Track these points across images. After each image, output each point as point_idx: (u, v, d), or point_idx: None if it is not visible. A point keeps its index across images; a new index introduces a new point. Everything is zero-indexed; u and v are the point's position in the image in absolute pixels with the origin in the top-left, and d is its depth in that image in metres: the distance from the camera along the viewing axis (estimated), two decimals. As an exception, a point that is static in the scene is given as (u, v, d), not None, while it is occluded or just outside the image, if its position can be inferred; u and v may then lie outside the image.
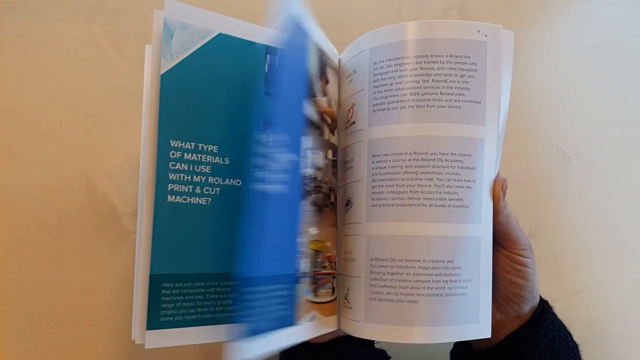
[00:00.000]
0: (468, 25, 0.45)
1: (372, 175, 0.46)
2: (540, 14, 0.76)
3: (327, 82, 0.49)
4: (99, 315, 0.56)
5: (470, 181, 0.44)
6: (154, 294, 0.41)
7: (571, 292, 0.70)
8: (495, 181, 0.45)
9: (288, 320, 0.43)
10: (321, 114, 0.48)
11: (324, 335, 0.49)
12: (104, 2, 0.60)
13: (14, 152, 0.56)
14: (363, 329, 0.45)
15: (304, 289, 0.45)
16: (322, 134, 0.48)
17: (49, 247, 0.56)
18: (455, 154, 0.44)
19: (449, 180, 0.44)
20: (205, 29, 0.45)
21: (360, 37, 0.48)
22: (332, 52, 0.50)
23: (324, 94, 0.49)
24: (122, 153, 0.59)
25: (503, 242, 0.47)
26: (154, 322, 0.41)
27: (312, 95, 0.47)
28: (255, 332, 0.38)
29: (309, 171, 0.46)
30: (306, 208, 0.46)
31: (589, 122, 0.75)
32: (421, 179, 0.44)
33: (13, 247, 0.55)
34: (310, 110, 0.46)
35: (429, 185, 0.43)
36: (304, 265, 0.45)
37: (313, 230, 0.47)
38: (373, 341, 0.52)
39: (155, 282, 0.41)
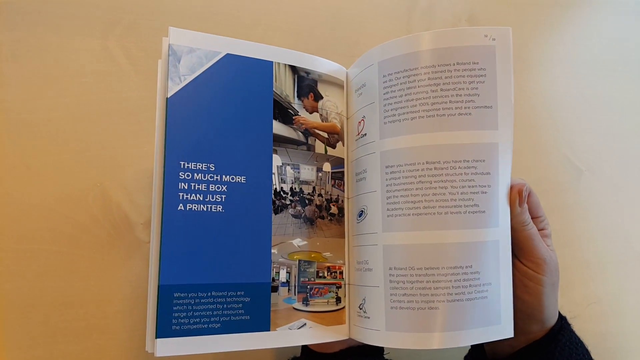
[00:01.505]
0: (475, 31, 0.45)
1: (387, 186, 0.46)
2: (551, 26, 0.76)
3: (316, 98, 0.50)
4: (112, 325, 0.57)
5: (485, 186, 0.44)
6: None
7: (582, 303, 0.70)
8: (512, 185, 0.45)
9: (258, 325, 0.45)
10: (309, 129, 0.50)
11: (333, 345, 0.50)
12: (119, 17, 0.61)
13: (31, 163, 0.57)
14: (384, 337, 0.45)
15: (283, 297, 0.47)
16: (310, 148, 0.50)
17: (64, 257, 0.57)
18: (468, 161, 0.44)
19: (463, 187, 0.44)
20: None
21: (367, 51, 0.49)
22: (331, 69, 0.52)
23: (313, 110, 0.50)
24: (136, 164, 0.59)
25: (517, 250, 0.46)
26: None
27: (286, 114, 0.49)
28: (182, 332, 0.42)
29: (286, 186, 0.48)
30: (283, 221, 0.47)
31: (599, 134, 0.75)
32: (435, 188, 0.44)
33: (29, 257, 0.56)
34: (282, 129, 0.48)
35: (444, 194, 0.44)
36: (283, 274, 0.47)
37: (299, 242, 0.48)
38: (383, 351, 0.52)
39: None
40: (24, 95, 0.58)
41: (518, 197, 0.45)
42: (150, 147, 0.59)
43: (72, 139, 0.58)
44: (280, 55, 0.49)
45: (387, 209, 0.46)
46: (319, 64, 0.51)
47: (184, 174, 0.44)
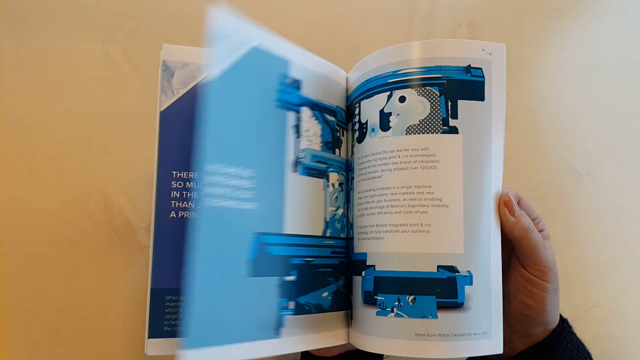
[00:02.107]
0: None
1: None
2: (551, 30, 0.76)
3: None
4: (113, 329, 0.57)
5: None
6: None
7: (582, 308, 0.70)
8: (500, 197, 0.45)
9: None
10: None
11: (332, 349, 0.50)
12: (121, 22, 0.62)
13: (33, 168, 0.57)
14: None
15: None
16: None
17: (66, 261, 0.57)
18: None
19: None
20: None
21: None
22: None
23: None
24: (138, 169, 0.60)
25: (522, 259, 0.47)
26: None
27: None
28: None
29: None
30: None
31: (599, 138, 0.75)
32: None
33: (30, 261, 0.56)
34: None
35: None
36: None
37: None
38: (382, 357, 0.52)
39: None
40: (26, 100, 0.58)
41: (506, 207, 0.45)
42: (152, 152, 0.59)
43: (74, 144, 0.59)
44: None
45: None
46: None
47: (176, 183, 0.46)
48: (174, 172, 0.46)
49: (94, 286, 0.57)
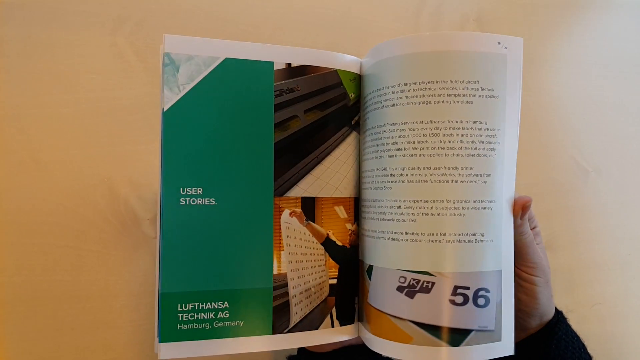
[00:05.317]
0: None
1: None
2: (559, 26, 0.76)
3: None
4: (118, 319, 0.58)
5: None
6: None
7: (586, 304, 0.70)
8: (517, 199, 0.44)
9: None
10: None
11: (328, 344, 0.50)
12: (128, 14, 0.62)
13: (39, 159, 0.57)
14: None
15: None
16: None
17: (71, 252, 0.57)
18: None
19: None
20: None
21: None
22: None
23: None
24: (144, 160, 0.60)
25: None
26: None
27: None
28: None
29: None
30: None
31: (606, 135, 0.75)
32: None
33: (36, 251, 0.56)
34: None
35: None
36: None
37: None
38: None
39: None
40: (33, 91, 0.58)
41: (521, 211, 0.44)
42: (157, 144, 0.59)
43: (81, 135, 0.59)
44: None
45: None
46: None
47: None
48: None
49: (99, 277, 0.58)
